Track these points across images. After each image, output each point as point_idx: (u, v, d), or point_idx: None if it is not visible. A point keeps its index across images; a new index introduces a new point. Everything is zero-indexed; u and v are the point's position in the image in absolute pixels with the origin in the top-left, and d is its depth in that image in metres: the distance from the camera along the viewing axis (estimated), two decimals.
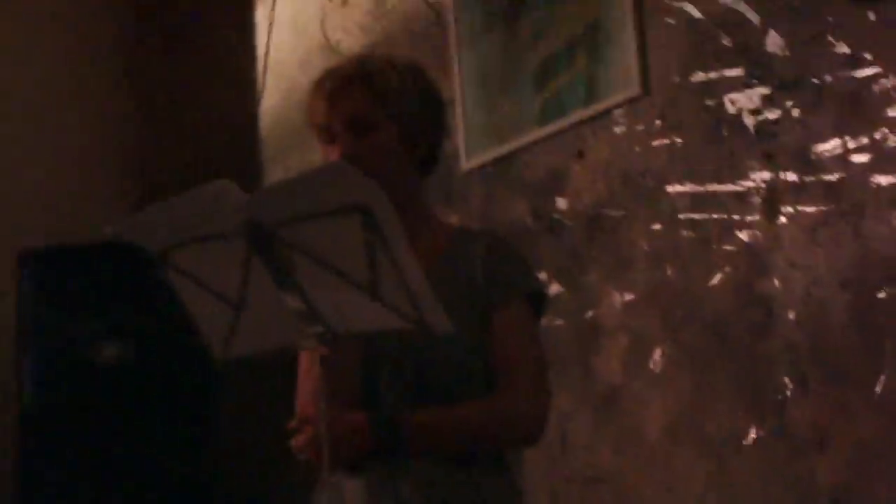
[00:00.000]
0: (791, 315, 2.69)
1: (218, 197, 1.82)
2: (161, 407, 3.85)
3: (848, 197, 2.56)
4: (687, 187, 2.96)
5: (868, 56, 2.53)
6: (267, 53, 4.30)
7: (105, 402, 3.84)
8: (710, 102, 2.90)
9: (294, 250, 1.83)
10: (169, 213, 1.88)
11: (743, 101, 2.81)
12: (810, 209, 2.65)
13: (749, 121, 2.80)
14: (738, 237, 2.82)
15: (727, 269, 2.85)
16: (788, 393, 2.69)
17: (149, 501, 3.80)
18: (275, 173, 4.51)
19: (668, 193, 3.01)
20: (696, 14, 2.93)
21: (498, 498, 2.17)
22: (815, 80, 2.64)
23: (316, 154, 4.21)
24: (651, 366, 3.04)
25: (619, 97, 3.13)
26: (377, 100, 2.19)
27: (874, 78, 2.51)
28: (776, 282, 2.73)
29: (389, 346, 2.13)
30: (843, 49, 2.58)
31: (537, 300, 2.26)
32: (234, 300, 1.93)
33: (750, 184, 2.80)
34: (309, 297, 1.87)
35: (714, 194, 2.88)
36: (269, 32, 4.31)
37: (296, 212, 1.80)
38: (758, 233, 2.78)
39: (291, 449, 2.12)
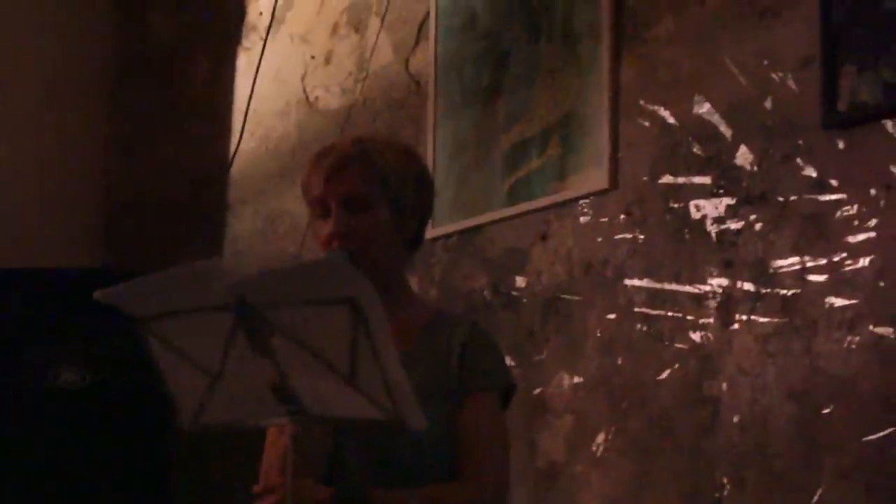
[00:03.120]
0: (735, 418, 2.79)
1: (210, 272, 1.90)
2: (115, 443, 3.86)
3: (802, 313, 2.68)
4: (644, 282, 3.06)
5: (834, 182, 2.65)
6: (251, 98, 4.38)
7: (57, 429, 3.85)
8: (675, 205, 3.00)
9: (279, 332, 1.91)
10: (160, 284, 1.96)
11: (708, 209, 2.92)
12: (764, 320, 2.76)
13: (712, 228, 2.91)
14: (690, 337, 2.93)
15: (677, 366, 2.95)
16: (726, 492, 2.80)
17: None
18: (242, 215, 4.56)
19: (626, 286, 3.11)
20: (671, 120, 3.04)
21: None
22: (780, 198, 2.76)
23: (284, 202, 4.31)
24: (594, 448, 3.14)
25: (587, 188, 3.24)
26: (374, 181, 2.28)
27: (838, 204, 2.63)
28: (724, 385, 2.83)
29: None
30: (811, 172, 2.69)
31: (507, 393, 2.36)
32: (212, 371, 2.00)
33: (707, 287, 2.91)
34: (287, 377, 1.95)
35: (671, 293, 2.99)
36: (255, 78, 4.38)
37: (287, 297, 1.87)
38: (710, 335, 2.88)
39: None
